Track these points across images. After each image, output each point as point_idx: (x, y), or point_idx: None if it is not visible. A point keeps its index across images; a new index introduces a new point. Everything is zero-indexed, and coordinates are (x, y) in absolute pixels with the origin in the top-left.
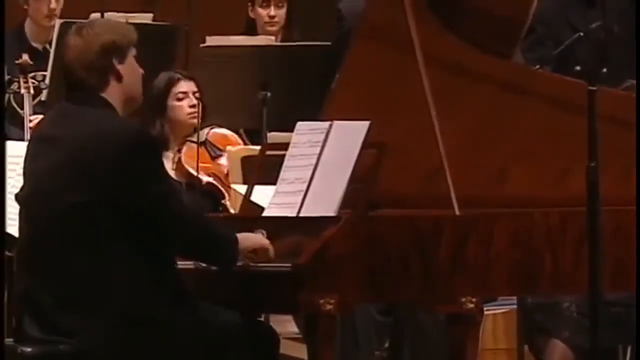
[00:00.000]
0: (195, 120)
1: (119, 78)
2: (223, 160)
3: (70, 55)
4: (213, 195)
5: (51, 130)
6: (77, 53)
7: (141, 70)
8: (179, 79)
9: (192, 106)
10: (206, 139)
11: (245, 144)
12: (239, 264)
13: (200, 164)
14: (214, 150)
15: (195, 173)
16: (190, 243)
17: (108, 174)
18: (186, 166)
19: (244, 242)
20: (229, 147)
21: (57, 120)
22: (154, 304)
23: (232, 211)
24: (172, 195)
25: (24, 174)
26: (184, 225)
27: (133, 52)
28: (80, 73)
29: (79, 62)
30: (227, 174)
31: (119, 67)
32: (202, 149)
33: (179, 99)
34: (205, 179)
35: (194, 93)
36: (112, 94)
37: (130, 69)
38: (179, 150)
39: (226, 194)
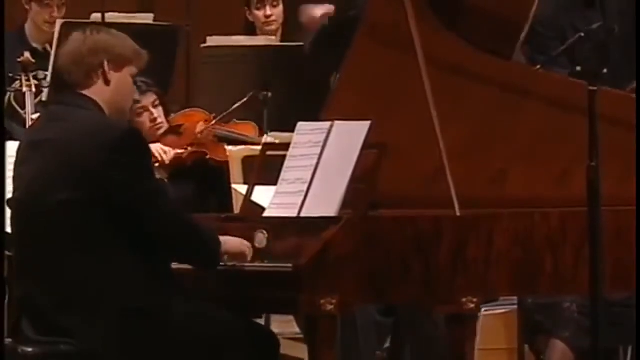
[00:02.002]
0: (159, 132)
1: (107, 82)
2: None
3: (63, 48)
4: (198, 163)
5: (40, 134)
6: (70, 45)
7: (136, 96)
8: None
9: (153, 120)
10: (169, 126)
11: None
12: (241, 264)
13: (174, 149)
14: (179, 131)
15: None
16: (174, 243)
17: (96, 171)
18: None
19: (224, 244)
20: (230, 148)
21: (46, 123)
22: (150, 303)
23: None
24: (159, 194)
25: (14, 178)
26: (168, 225)
27: (133, 71)
28: (67, 66)
29: (69, 54)
30: (202, 133)
31: (111, 72)
32: (169, 137)
33: (139, 114)
34: (185, 153)
35: (153, 104)
36: (98, 94)
37: (123, 83)
38: None
39: (207, 150)
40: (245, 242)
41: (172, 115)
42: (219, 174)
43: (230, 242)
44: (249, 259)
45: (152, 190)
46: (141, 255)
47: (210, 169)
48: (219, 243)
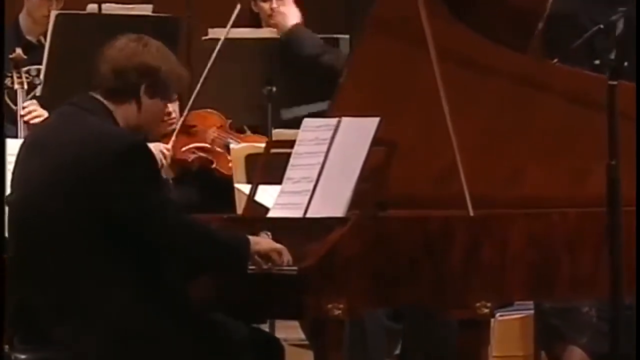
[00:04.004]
0: (172, 127)
1: (139, 107)
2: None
3: (111, 50)
4: (204, 170)
5: (45, 134)
6: (117, 52)
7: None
8: None
9: (167, 113)
10: (182, 124)
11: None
12: (251, 267)
13: (183, 150)
14: (191, 131)
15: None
16: (191, 256)
17: (97, 181)
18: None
19: (254, 246)
20: (232, 145)
21: (52, 124)
22: (151, 319)
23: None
24: (164, 207)
25: (13, 176)
26: (178, 237)
27: (167, 99)
28: (107, 73)
29: (113, 60)
30: (213, 140)
31: (145, 97)
32: (180, 136)
33: None
34: (192, 157)
35: None
36: (124, 116)
37: (154, 110)
38: None
39: (214, 160)
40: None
41: (187, 112)
42: (223, 186)
43: (262, 243)
44: (285, 260)
45: (157, 204)
46: (143, 269)
47: (215, 179)
48: (245, 244)
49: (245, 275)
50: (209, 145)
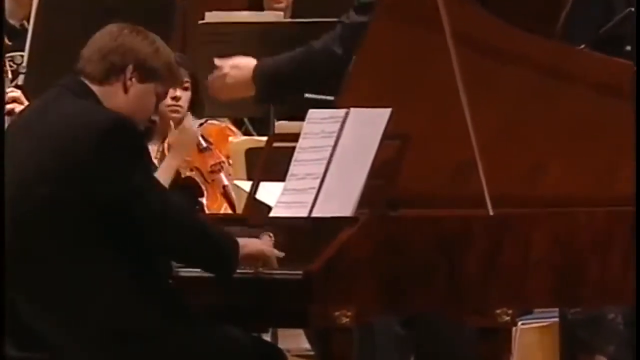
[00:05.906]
0: (176, 115)
1: (125, 89)
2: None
3: (96, 34)
4: (190, 190)
5: (31, 117)
6: (101, 34)
7: (155, 116)
8: None
9: (174, 98)
10: (199, 143)
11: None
12: (242, 271)
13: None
14: (203, 143)
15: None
16: (180, 246)
17: (83, 164)
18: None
19: (243, 248)
20: (230, 139)
21: (39, 106)
22: (143, 318)
23: (207, 210)
24: (155, 189)
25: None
26: (171, 225)
27: (160, 90)
28: (89, 54)
29: (96, 42)
30: (212, 171)
31: (133, 81)
32: (198, 154)
33: None
34: (186, 172)
35: (181, 84)
36: (110, 99)
37: (143, 98)
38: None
39: (205, 192)
40: (267, 243)
41: (204, 122)
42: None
43: (252, 245)
44: (274, 263)
45: (146, 184)
46: (135, 261)
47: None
48: (236, 246)
49: (238, 280)
50: (210, 176)
